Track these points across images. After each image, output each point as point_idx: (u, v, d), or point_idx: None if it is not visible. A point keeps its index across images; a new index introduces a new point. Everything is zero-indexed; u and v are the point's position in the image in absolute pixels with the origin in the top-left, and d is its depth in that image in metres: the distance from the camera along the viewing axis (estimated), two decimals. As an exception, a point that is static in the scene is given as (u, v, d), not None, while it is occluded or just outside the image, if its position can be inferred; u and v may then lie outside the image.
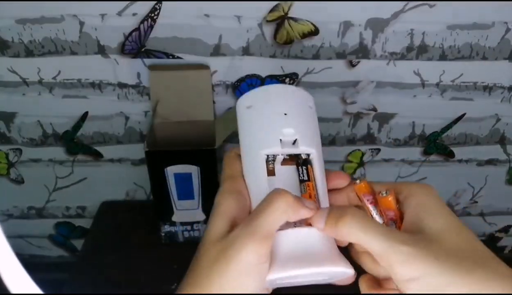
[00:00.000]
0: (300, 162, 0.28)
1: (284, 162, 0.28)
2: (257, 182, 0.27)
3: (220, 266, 0.23)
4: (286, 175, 0.28)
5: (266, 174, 0.27)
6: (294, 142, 0.27)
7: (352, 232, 0.23)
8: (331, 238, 0.26)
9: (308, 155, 0.28)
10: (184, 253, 0.64)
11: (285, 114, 0.28)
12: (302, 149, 0.27)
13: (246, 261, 0.23)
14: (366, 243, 0.23)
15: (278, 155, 0.27)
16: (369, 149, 0.69)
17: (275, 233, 0.25)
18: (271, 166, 0.27)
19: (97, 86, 0.60)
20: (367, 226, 0.23)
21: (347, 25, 0.54)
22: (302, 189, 0.27)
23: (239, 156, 0.29)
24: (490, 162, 0.71)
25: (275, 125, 0.27)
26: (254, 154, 0.27)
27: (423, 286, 0.22)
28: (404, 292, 0.22)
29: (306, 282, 0.27)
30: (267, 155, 0.27)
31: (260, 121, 0.28)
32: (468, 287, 0.21)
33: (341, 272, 0.26)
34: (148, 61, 0.57)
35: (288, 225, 0.25)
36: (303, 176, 0.27)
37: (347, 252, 0.28)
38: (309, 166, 0.28)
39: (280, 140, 0.27)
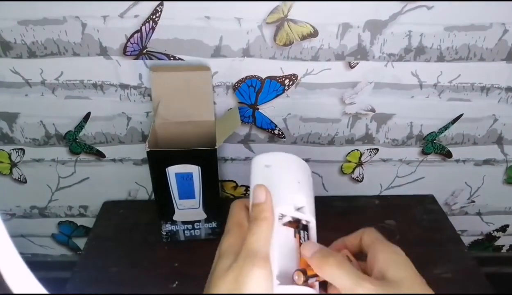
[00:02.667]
0: (300, 227, 0.31)
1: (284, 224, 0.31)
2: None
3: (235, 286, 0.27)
4: (285, 234, 0.31)
5: (278, 233, 0.30)
6: (299, 208, 0.31)
7: (331, 269, 0.28)
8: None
9: (308, 222, 0.32)
10: (185, 252, 0.65)
11: (299, 182, 0.32)
12: (307, 216, 0.31)
13: (257, 283, 0.27)
14: (338, 278, 0.27)
15: (286, 215, 0.31)
16: (368, 149, 0.69)
17: (277, 286, 0.28)
18: (278, 223, 0.30)
19: (99, 87, 0.60)
20: (344, 266, 0.28)
21: (345, 27, 0.55)
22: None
23: (246, 207, 0.33)
24: (488, 162, 0.71)
25: (291, 190, 0.31)
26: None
27: None
28: None
29: None
30: (280, 214, 0.31)
31: (279, 182, 0.32)
32: None
33: None
34: (149, 62, 0.58)
35: (290, 281, 0.29)
36: (305, 239, 0.31)
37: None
38: (306, 232, 0.31)
39: (293, 204, 0.31)
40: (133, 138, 0.66)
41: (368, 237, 0.31)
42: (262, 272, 0.27)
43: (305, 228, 0.31)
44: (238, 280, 0.27)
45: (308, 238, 0.31)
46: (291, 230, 0.31)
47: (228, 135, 0.56)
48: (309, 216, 0.31)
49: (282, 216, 0.31)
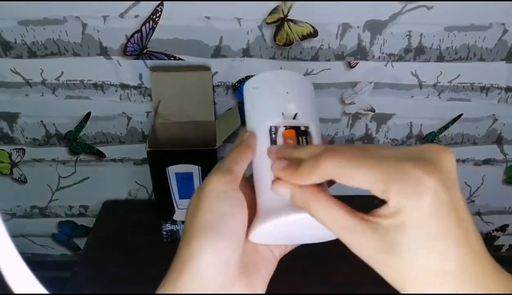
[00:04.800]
0: (299, 133, 0.30)
1: (286, 136, 0.31)
2: (260, 150, 0.30)
3: (196, 199, 0.27)
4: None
5: (270, 143, 0.30)
6: (295, 117, 0.30)
7: (335, 167, 0.21)
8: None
9: (307, 127, 0.31)
10: (185, 252, 0.65)
11: (287, 92, 0.31)
12: (301, 122, 0.31)
13: (213, 189, 0.27)
14: (330, 226, 0.22)
15: (280, 126, 0.30)
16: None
17: (270, 190, 0.27)
18: (273, 137, 0.30)
19: (99, 87, 0.61)
20: (334, 207, 0.22)
21: (345, 27, 0.55)
22: None
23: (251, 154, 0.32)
24: (487, 162, 0.71)
25: (278, 101, 0.31)
26: (259, 126, 0.31)
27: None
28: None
29: (294, 242, 0.31)
30: (270, 127, 0.30)
31: (265, 98, 0.32)
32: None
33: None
34: (150, 62, 0.58)
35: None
36: (303, 143, 0.30)
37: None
38: (308, 137, 0.31)
39: (282, 113, 0.30)
40: (133, 138, 0.66)
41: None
42: (217, 178, 0.27)
43: (305, 134, 0.30)
44: (198, 188, 0.28)
45: (307, 142, 0.30)
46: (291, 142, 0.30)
47: (228, 135, 0.56)
48: (304, 121, 0.31)
49: (275, 129, 0.30)
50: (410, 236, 0.20)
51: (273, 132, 0.30)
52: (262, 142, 0.30)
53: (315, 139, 0.31)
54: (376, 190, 0.20)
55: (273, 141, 0.30)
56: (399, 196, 0.20)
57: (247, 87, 0.33)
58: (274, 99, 0.31)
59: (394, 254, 0.20)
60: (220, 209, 0.26)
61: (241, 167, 0.29)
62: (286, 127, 0.30)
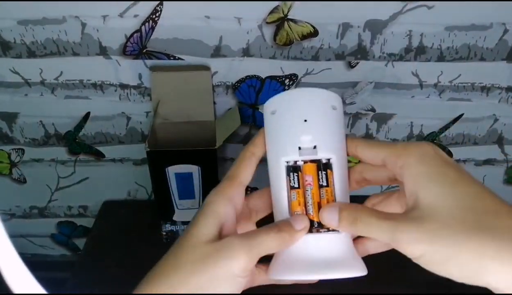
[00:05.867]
0: (320, 167, 0.28)
1: (305, 172, 0.29)
2: (277, 190, 0.28)
3: (205, 268, 0.25)
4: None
5: (286, 183, 0.28)
6: (315, 147, 0.28)
7: (364, 232, 0.25)
8: (348, 240, 0.28)
9: (329, 159, 0.28)
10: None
11: (305, 120, 0.28)
12: (320, 155, 0.28)
13: (232, 271, 0.25)
14: (377, 237, 0.24)
15: (298, 161, 0.28)
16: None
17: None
18: (291, 175, 0.28)
19: (99, 87, 0.60)
20: (372, 221, 0.24)
21: (346, 27, 0.55)
22: (322, 194, 0.28)
23: (254, 158, 0.30)
24: (488, 162, 0.71)
25: (294, 133, 0.28)
26: (275, 162, 0.29)
27: (427, 262, 0.22)
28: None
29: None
30: (287, 164, 0.28)
31: (281, 128, 0.29)
32: (465, 257, 0.21)
33: (354, 274, 0.27)
34: (149, 62, 0.58)
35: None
36: (322, 181, 0.28)
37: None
38: (329, 171, 0.28)
39: (299, 147, 0.28)
40: (133, 138, 0.66)
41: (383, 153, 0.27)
42: (221, 188, 0.27)
43: (326, 168, 0.28)
44: (217, 257, 0.26)
45: (327, 178, 0.28)
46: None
47: (228, 135, 0.56)
48: (323, 154, 0.28)
49: (294, 164, 0.28)
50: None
51: (290, 169, 0.28)
52: (280, 180, 0.28)
53: (337, 171, 0.28)
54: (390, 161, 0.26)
55: (290, 179, 0.28)
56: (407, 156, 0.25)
57: (266, 110, 0.30)
58: (290, 130, 0.28)
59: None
60: (218, 292, 0.25)
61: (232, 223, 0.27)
62: (305, 162, 0.28)
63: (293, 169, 0.28)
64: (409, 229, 0.23)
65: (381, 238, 0.24)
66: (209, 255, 0.25)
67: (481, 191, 0.23)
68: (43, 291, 0.17)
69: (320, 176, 0.28)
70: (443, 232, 0.22)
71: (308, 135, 0.28)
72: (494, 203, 0.23)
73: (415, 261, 0.23)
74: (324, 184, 0.28)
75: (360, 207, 0.26)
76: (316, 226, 0.27)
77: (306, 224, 0.27)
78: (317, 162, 0.28)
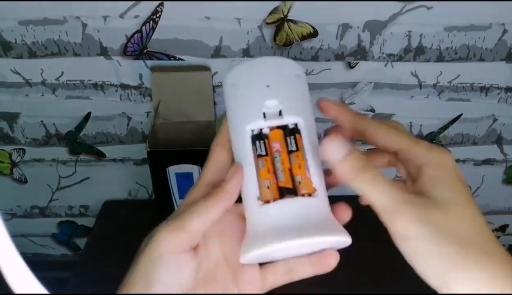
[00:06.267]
0: (287, 132, 0.27)
1: (271, 139, 0.27)
2: (244, 160, 0.26)
3: (142, 256, 0.25)
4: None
5: (252, 151, 0.26)
6: (280, 113, 0.26)
7: (365, 186, 0.23)
8: (327, 205, 0.26)
9: (296, 124, 0.27)
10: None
11: (268, 86, 0.27)
12: (287, 119, 0.26)
13: (160, 251, 0.24)
14: (374, 198, 0.23)
15: (264, 128, 0.27)
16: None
17: (258, 207, 0.25)
18: (257, 143, 0.26)
19: (99, 87, 0.61)
20: (381, 183, 0.23)
21: (345, 27, 0.55)
22: (292, 159, 0.26)
23: (228, 147, 0.28)
24: (487, 162, 0.71)
25: (257, 99, 0.27)
26: (240, 133, 0.27)
27: (412, 246, 0.22)
28: (396, 244, 0.23)
29: (298, 254, 0.27)
30: (252, 132, 0.26)
31: (243, 97, 0.27)
32: (447, 262, 0.21)
33: (337, 241, 0.25)
34: (150, 62, 0.58)
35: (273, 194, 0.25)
36: (291, 146, 0.26)
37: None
38: (297, 135, 0.27)
39: (264, 113, 0.26)
40: (134, 138, 0.66)
41: (403, 141, 0.25)
42: (164, 236, 0.25)
43: (294, 132, 0.27)
44: (148, 237, 0.26)
45: (296, 142, 0.26)
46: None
47: (228, 135, 0.56)
48: (290, 118, 0.26)
49: (258, 132, 0.26)
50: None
51: (256, 137, 0.26)
52: (245, 149, 0.26)
53: (307, 136, 0.27)
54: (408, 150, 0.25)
55: (257, 148, 0.26)
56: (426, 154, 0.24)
57: (226, 84, 0.29)
58: (253, 96, 0.27)
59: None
60: (152, 277, 0.24)
61: (203, 223, 0.25)
62: (271, 128, 0.26)
63: (258, 137, 0.26)
64: (415, 205, 0.22)
65: (378, 201, 0.23)
66: (144, 243, 0.26)
67: (483, 219, 0.23)
68: (44, 291, 0.17)
69: (289, 142, 0.26)
70: (447, 228, 0.21)
71: (272, 99, 0.26)
72: (492, 235, 0.23)
73: (399, 241, 0.22)
74: (294, 149, 0.26)
75: (370, 159, 0.25)
76: (286, 194, 0.25)
77: (239, 179, 0.25)
78: (283, 128, 0.27)
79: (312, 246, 0.26)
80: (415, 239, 0.22)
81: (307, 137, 0.27)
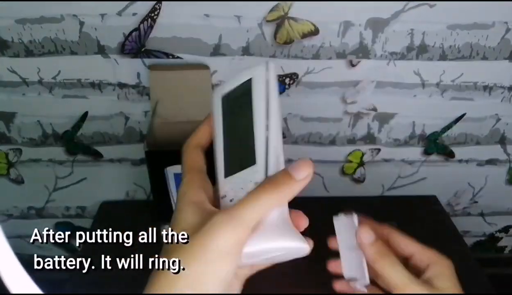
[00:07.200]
0: None
1: None
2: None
3: (195, 252, 0.23)
4: None
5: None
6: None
7: (385, 266, 0.31)
8: (287, 217, 0.26)
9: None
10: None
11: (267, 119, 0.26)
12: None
13: (222, 249, 0.23)
14: (390, 276, 0.31)
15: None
16: (369, 149, 0.69)
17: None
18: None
19: (97, 86, 0.60)
20: (398, 266, 0.31)
21: (347, 25, 0.54)
22: None
23: (201, 147, 0.30)
24: (490, 162, 0.71)
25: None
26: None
27: None
28: None
29: (267, 261, 0.27)
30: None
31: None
32: None
33: (297, 248, 0.26)
34: (148, 61, 0.57)
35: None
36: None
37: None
38: None
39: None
40: (131, 138, 0.66)
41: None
42: (185, 181, 0.27)
43: None
44: (203, 239, 0.24)
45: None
46: None
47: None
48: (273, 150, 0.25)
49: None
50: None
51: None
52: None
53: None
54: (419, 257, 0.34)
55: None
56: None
57: (218, 97, 0.30)
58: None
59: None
60: (217, 274, 0.23)
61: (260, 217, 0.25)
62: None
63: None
64: (422, 285, 0.31)
65: (395, 278, 0.31)
66: (194, 241, 0.24)
67: None
68: (41, 292, 0.17)
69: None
70: None
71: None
72: None
73: None
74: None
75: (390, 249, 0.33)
76: None
77: (310, 170, 0.25)
78: None
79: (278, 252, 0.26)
80: None
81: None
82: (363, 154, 0.69)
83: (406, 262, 0.34)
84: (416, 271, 0.33)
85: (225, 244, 0.23)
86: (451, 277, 0.32)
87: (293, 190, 0.24)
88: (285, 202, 0.25)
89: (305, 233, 0.27)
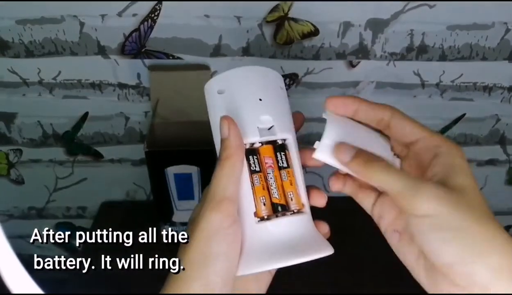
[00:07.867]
0: (276, 148, 0.27)
1: (262, 154, 0.27)
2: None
3: (193, 236, 0.25)
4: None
5: (247, 167, 0.26)
6: (270, 128, 0.27)
7: (377, 175, 0.24)
8: (311, 221, 0.28)
9: (285, 140, 0.28)
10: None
11: (260, 99, 0.27)
12: (279, 136, 0.27)
13: (210, 227, 0.25)
14: (390, 184, 0.23)
15: (255, 143, 0.27)
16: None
17: (255, 223, 0.26)
18: (250, 158, 0.27)
19: (97, 86, 0.60)
20: (392, 169, 0.24)
21: (347, 26, 0.54)
22: (283, 176, 0.27)
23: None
24: (490, 162, 0.71)
25: (251, 113, 0.27)
26: None
27: (428, 227, 0.22)
28: (412, 228, 0.23)
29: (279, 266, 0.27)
30: (245, 145, 0.27)
31: (235, 110, 0.27)
32: (475, 236, 0.21)
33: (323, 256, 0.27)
34: (148, 61, 0.57)
35: (268, 212, 0.26)
36: (282, 163, 0.27)
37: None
38: (287, 151, 0.28)
39: (258, 127, 0.27)
40: (132, 138, 0.66)
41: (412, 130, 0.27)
42: (216, 216, 0.25)
43: (284, 147, 0.28)
44: (194, 224, 0.26)
45: (286, 159, 0.27)
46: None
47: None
48: (282, 134, 0.27)
49: (251, 145, 0.27)
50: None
51: (248, 152, 0.26)
52: None
53: (294, 151, 0.27)
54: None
55: (251, 163, 0.26)
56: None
57: (210, 90, 0.29)
58: (247, 110, 0.27)
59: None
60: (213, 251, 0.25)
61: (234, 185, 0.26)
62: (262, 143, 0.27)
63: (251, 152, 0.27)
64: (432, 185, 0.23)
65: (392, 186, 0.23)
66: (190, 226, 0.27)
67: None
68: (42, 292, 0.17)
69: (279, 158, 0.27)
70: (466, 208, 0.22)
71: (266, 114, 0.27)
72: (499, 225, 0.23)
73: (415, 223, 0.23)
74: (285, 165, 0.27)
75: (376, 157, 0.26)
76: (280, 210, 0.26)
77: (227, 123, 0.26)
78: (272, 143, 0.27)
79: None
80: (435, 217, 0.22)
81: (294, 154, 0.28)
82: (363, 155, 0.69)
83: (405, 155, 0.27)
84: (417, 164, 0.26)
85: (211, 224, 0.25)
86: (466, 170, 0.24)
87: (229, 147, 0.25)
88: (238, 165, 0.26)
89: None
